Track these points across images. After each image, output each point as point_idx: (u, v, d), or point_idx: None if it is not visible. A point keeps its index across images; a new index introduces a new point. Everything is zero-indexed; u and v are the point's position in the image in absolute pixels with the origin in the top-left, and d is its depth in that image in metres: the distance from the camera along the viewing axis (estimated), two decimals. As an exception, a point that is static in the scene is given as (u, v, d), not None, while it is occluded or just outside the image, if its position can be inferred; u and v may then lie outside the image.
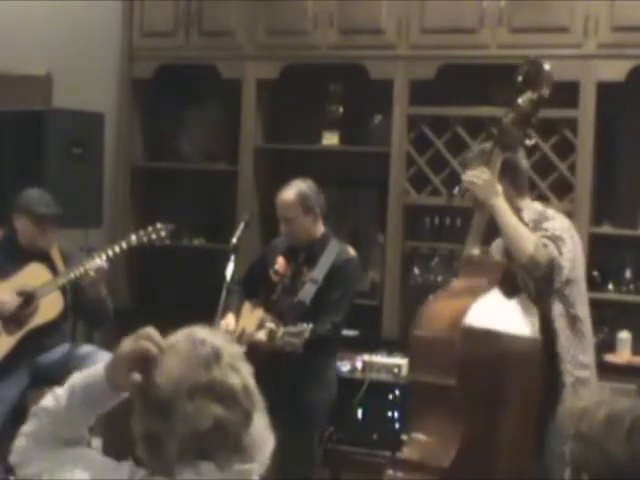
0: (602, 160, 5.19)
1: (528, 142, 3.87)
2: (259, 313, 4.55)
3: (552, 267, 3.64)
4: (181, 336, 1.91)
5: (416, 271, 5.49)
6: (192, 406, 1.80)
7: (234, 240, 4.53)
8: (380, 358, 5.21)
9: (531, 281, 3.72)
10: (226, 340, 1.93)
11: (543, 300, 3.73)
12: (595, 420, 1.84)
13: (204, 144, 6.07)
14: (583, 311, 3.79)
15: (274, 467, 1.96)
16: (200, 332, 1.90)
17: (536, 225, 3.72)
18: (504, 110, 3.77)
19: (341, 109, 5.72)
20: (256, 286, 4.69)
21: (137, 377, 1.87)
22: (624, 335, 5.09)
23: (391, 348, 5.29)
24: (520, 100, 3.72)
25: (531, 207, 3.82)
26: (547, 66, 3.72)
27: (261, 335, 4.30)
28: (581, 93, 5.06)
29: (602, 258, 5.15)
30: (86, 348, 4.88)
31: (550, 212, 3.81)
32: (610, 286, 5.18)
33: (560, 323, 3.73)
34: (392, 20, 5.42)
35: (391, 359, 5.19)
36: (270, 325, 4.31)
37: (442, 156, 5.41)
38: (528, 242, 3.62)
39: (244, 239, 4.73)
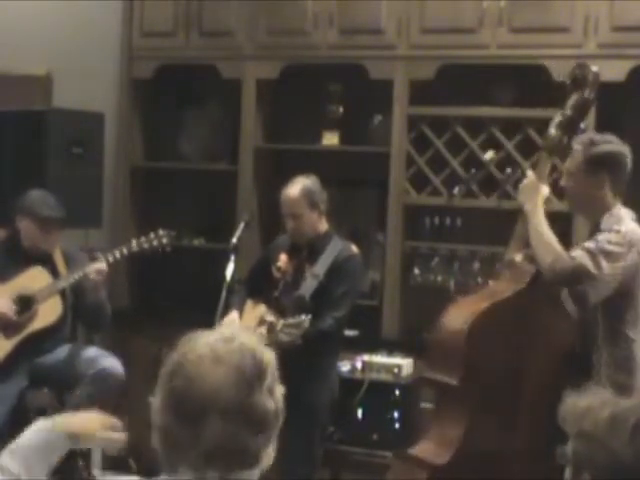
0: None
1: (576, 146, 3.78)
2: (261, 309, 4.56)
3: (579, 279, 3.55)
4: (229, 343, 1.77)
5: (416, 271, 5.49)
6: (223, 425, 1.71)
7: (234, 240, 4.53)
8: (380, 358, 5.21)
9: (569, 292, 3.69)
10: (267, 349, 1.82)
11: (586, 312, 3.67)
12: (599, 419, 1.83)
13: (204, 144, 6.06)
14: (636, 331, 3.64)
15: (275, 467, 1.94)
16: (246, 338, 1.79)
17: (599, 233, 3.63)
18: (555, 113, 3.76)
19: (341, 109, 5.72)
20: (259, 285, 4.71)
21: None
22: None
23: (391, 348, 5.29)
24: (566, 104, 3.70)
25: (614, 214, 3.68)
26: (594, 68, 3.68)
27: (262, 330, 4.30)
28: (581, 93, 5.05)
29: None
30: (91, 351, 4.87)
31: (623, 225, 3.64)
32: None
33: (604, 339, 3.64)
34: (392, 20, 5.42)
35: (391, 359, 5.19)
36: (270, 319, 4.31)
37: (442, 156, 5.41)
38: (549, 253, 3.56)
39: (244, 239, 4.73)
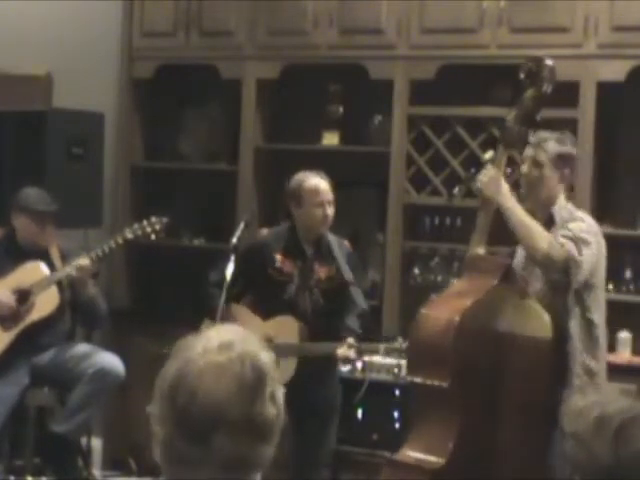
0: (602, 160, 5.19)
1: (532, 140, 3.87)
2: (289, 321, 4.43)
3: (569, 266, 3.64)
4: (228, 351, 1.69)
5: (416, 271, 5.49)
6: (230, 439, 1.66)
7: (234, 240, 4.51)
8: (380, 358, 5.21)
9: (546, 281, 3.73)
10: (267, 353, 1.75)
11: (558, 301, 3.73)
12: (587, 420, 1.83)
13: (204, 144, 6.07)
14: (599, 318, 3.78)
15: (278, 465, 1.93)
16: (244, 343, 1.72)
17: (563, 224, 3.74)
18: (509, 108, 3.78)
19: (341, 109, 5.72)
20: (246, 287, 4.61)
21: None
22: (624, 335, 5.09)
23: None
24: (522, 97, 3.72)
25: (564, 206, 3.84)
26: (549, 62, 3.72)
27: (350, 353, 4.33)
28: (581, 93, 5.05)
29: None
30: (83, 347, 4.90)
31: (580, 214, 3.84)
32: (610, 286, 5.16)
33: (575, 326, 3.73)
34: (392, 20, 5.42)
35: (391, 359, 5.19)
36: (355, 344, 4.34)
37: (442, 156, 5.41)
38: (542, 240, 3.63)
39: (244, 239, 4.72)
